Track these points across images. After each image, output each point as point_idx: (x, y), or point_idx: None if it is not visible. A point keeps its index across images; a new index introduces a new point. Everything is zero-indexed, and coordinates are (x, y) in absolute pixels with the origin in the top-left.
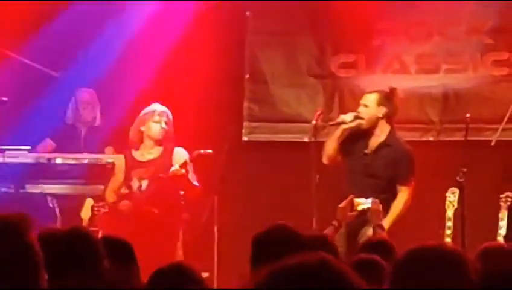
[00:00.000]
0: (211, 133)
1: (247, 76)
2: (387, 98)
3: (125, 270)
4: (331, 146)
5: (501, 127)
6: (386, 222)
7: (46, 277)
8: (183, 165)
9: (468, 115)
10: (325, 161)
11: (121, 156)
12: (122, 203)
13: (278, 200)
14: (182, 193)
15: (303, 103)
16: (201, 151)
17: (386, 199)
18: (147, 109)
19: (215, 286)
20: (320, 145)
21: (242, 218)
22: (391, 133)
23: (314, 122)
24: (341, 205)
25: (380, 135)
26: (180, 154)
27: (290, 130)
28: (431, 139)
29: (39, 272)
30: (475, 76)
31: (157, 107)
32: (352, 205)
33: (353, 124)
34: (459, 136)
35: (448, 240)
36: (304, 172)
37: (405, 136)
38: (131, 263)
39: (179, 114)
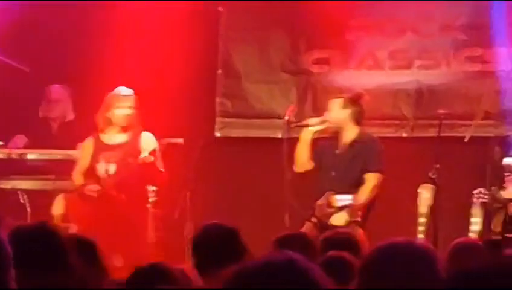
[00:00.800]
0: (183, 127)
1: (219, 71)
2: (352, 101)
3: (93, 268)
4: (301, 153)
5: (474, 123)
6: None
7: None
8: (153, 152)
9: (441, 111)
10: (297, 169)
11: (89, 138)
12: (90, 187)
13: (251, 196)
14: (154, 189)
15: (276, 99)
16: (171, 139)
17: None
18: (112, 93)
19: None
20: (293, 141)
21: (214, 214)
22: (361, 132)
23: (287, 118)
24: (319, 202)
25: (349, 135)
26: (148, 139)
27: (263, 126)
28: (404, 135)
29: (7, 269)
30: (448, 72)
31: (122, 90)
32: (330, 201)
33: (319, 127)
34: (432, 132)
35: (420, 236)
36: (276, 168)
37: (379, 132)
38: (99, 261)
39: (152, 106)
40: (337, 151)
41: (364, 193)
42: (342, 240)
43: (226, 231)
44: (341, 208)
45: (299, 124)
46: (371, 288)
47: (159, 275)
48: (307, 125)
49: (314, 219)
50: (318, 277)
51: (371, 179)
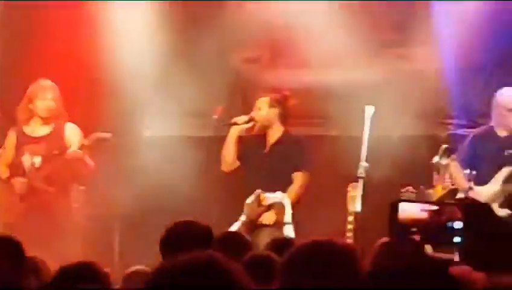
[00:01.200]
0: (111, 125)
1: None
2: (280, 100)
3: (14, 268)
4: (228, 152)
5: (403, 122)
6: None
7: None
8: (82, 146)
9: (367, 109)
10: (224, 168)
11: (12, 130)
12: (17, 179)
13: (179, 195)
14: (82, 187)
15: (206, 98)
16: (101, 134)
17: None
18: (34, 85)
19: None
20: (221, 141)
21: (143, 212)
22: (285, 132)
23: (215, 117)
24: (248, 201)
25: (275, 135)
26: (73, 131)
27: (192, 125)
28: (334, 134)
29: None
30: (378, 71)
31: (43, 83)
32: (259, 200)
33: (246, 125)
34: (360, 131)
35: (349, 235)
36: (205, 167)
37: (307, 130)
38: (20, 261)
39: (81, 101)
40: (263, 151)
41: (291, 192)
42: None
43: (198, 229)
44: (270, 207)
45: (226, 122)
46: (291, 288)
47: (84, 275)
48: (235, 124)
49: (243, 218)
50: (239, 276)
51: (298, 178)
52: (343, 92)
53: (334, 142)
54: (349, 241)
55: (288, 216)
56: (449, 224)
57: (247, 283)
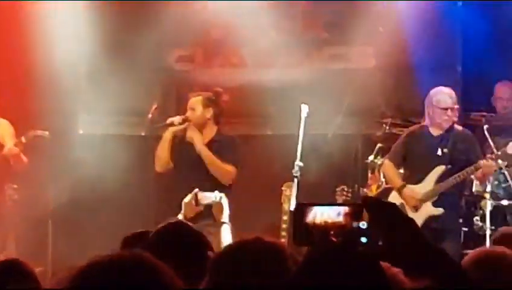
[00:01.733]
0: (48, 123)
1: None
2: (212, 100)
3: None
4: (162, 152)
5: (337, 121)
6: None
7: None
8: (17, 144)
9: (304, 108)
10: (158, 168)
11: None
12: None
13: (115, 194)
14: (15, 186)
15: (140, 97)
16: (37, 132)
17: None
18: None
19: (48, 280)
20: (156, 139)
21: (77, 211)
22: (219, 131)
23: (150, 116)
24: (186, 200)
25: (208, 135)
26: (4, 126)
27: (127, 123)
28: (269, 133)
29: None
30: (312, 70)
31: None
32: (197, 199)
33: (182, 126)
34: (295, 130)
35: (284, 233)
36: (140, 166)
37: (243, 130)
38: None
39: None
40: (191, 153)
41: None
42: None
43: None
44: (208, 206)
45: (163, 124)
46: (220, 287)
47: (9, 273)
48: (171, 125)
49: (181, 217)
50: (165, 275)
51: (227, 167)
52: (278, 91)
53: (269, 141)
54: (284, 240)
55: (225, 216)
56: (355, 224)
57: (173, 281)
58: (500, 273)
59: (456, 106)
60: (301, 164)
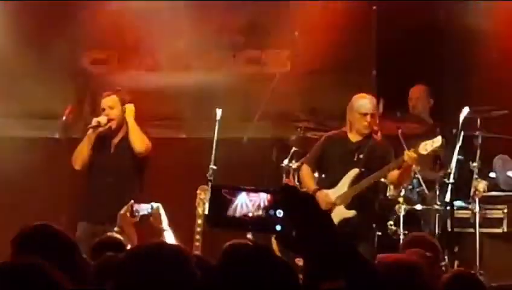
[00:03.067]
0: None
1: None
2: (127, 99)
3: None
4: (84, 151)
5: (252, 124)
6: None
7: None
8: None
9: (219, 112)
10: (78, 167)
11: None
12: None
13: (28, 197)
14: None
15: (54, 99)
16: None
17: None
18: None
19: None
20: (71, 142)
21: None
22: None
23: (64, 118)
24: (122, 212)
25: (119, 135)
26: None
27: (41, 126)
28: (183, 136)
29: None
30: (228, 74)
31: None
32: (133, 211)
33: (107, 126)
34: (211, 134)
35: (197, 237)
36: (54, 169)
37: (158, 133)
38: None
39: None
40: (109, 151)
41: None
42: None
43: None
44: (143, 217)
45: (90, 126)
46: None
47: None
48: (99, 126)
49: (117, 229)
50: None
51: None
52: (193, 94)
53: (184, 145)
54: (198, 243)
55: (165, 223)
56: (271, 212)
57: (67, 285)
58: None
59: (377, 112)
60: (215, 167)
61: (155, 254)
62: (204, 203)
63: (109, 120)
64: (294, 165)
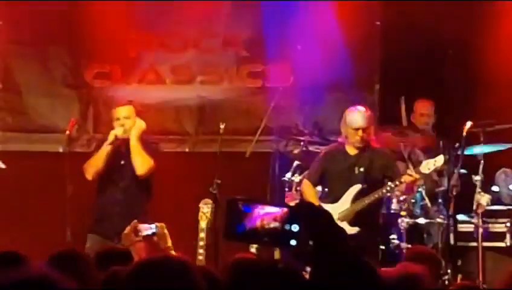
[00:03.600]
0: None
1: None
2: (139, 109)
3: None
4: (99, 164)
5: (255, 138)
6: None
7: None
8: None
9: (222, 126)
10: (90, 177)
11: None
12: None
13: (32, 210)
14: None
15: (57, 113)
16: None
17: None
18: None
19: None
20: (74, 156)
21: None
22: (141, 139)
23: (68, 132)
24: (126, 232)
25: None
26: None
27: (45, 140)
28: (186, 150)
29: None
30: (231, 88)
31: None
32: (136, 231)
33: (124, 136)
34: (214, 148)
35: (201, 251)
36: (58, 183)
37: (161, 147)
38: None
39: None
40: (120, 162)
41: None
42: (118, 255)
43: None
44: (147, 237)
45: (108, 142)
46: None
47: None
48: (116, 139)
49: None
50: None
51: None
52: (196, 108)
53: (187, 159)
54: (201, 257)
55: (169, 242)
56: (287, 227)
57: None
58: None
59: (372, 124)
60: (219, 181)
61: (163, 266)
62: (207, 217)
63: (125, 132)
64: (296, 178)
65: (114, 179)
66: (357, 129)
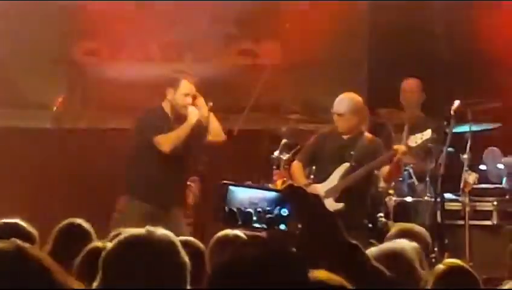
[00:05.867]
0: None
1: None
2: None
3: None
4: (181, 138)
5: (243, 116)
6: None
7: None
8: None
9: (210, 103)
10: (168, 149)
11: None
12: None
13: (20, 188)
14: None
15: (45, 90)
16: None
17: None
18: None
19: None
20: (62, 132)
21: None
22: None
23: (55, 108)
24: None
25: None
26: None
27: (33, 116)
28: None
29: None
30: (220, 65)
31: None
32: None
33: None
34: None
35: (188, 228)
36: (46, 159)
37: None
38: None
39: None
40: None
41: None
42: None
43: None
44: None
45: (192, 123)
46: (112, 282)
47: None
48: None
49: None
50: (48, 265)
51: None
52: None
53: None
54: (188, 233)
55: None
56: (276, 211)
57: (56, 271)
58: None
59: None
60: (206, 158)
61: (145, 243)
62: (195, 195)
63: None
64: (284, 156)
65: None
66: (339, 115)
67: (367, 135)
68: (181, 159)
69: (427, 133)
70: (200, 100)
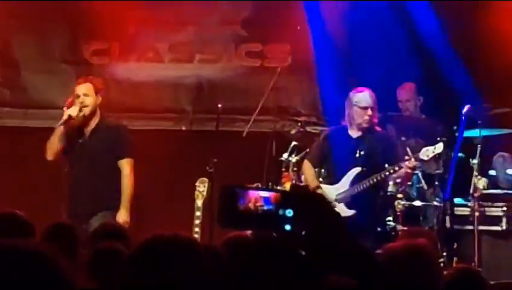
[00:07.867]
0: None
1: None
2: (102, 87)
3: None
4: (54, 144)
5: (252, 118)
6: (124, 204)
7: None
8: None
9: (220, 105)
10: (50, 157)
11: None
12: None
13: (22, 188)
14: None
15: (55, 90)
16: None
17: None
18: None
19: None
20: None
21: None
22: (102, 118)
23: (65, 109)
24: None
25: (93, 122)
26: None
27: (42, 116)
28: (183, 128)
29: None
30: (229, 67)
31: None
32: None
33: (80, 115)
34: (211, 126)
35: (196, 229)
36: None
37: (158, 124)
38: None
39: None
40: (80, 140)
41: (125, 181)
42: (111, 231)
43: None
44: None
45: (59, 124)
46: (135, 282)
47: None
48: (71, 118)
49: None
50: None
51: (125, 166)
52: (194, 87)
53: (184, 137)
54: (197, 236)
55: None
56: (281, 212)
57: (70, 274)
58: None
59: (375, 106)
60: (215, 160)
61: (167, 245)
62: (203, 196)
63: (81, 108)
64: (293, 159)
65: (78, 156)
66: (365, 108)
67: (377, 130)
68: (83, 163)
69: (439, 147)
70: (80, 100)
